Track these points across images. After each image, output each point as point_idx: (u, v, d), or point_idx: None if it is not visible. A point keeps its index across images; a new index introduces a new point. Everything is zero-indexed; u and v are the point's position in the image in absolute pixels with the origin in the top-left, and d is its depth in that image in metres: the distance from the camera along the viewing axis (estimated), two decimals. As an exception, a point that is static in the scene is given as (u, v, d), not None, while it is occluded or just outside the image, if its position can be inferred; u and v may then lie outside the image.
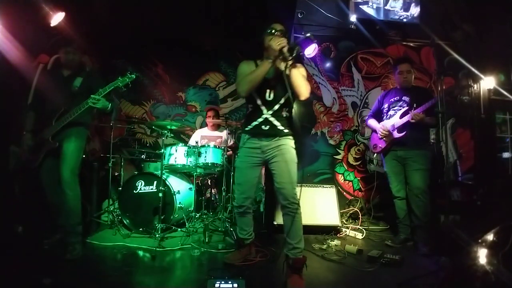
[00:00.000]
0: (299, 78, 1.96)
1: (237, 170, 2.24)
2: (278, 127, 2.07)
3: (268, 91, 2.06)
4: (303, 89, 1.98)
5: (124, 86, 2.40)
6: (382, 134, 2.93)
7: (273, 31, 2.03)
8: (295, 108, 2.19)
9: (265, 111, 2.07)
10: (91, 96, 2.31)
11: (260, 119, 2.08)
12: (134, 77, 2.42)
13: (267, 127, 2.07)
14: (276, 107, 2.06)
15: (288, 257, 2.00)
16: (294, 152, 2.09)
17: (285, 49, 1.87)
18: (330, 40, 4.20)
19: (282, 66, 1.94)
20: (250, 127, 2.12)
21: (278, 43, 1.89)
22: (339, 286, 2.07)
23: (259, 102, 2.08)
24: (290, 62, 1.88)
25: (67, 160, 2.37)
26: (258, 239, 2.63)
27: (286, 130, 2.09)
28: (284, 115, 2.10)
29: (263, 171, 3.12)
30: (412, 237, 2.85)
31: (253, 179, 2.17)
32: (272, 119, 2.07)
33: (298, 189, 2.02)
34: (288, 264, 1.99)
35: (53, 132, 2.38)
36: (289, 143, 2.09)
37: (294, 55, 1.87)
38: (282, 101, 2.07)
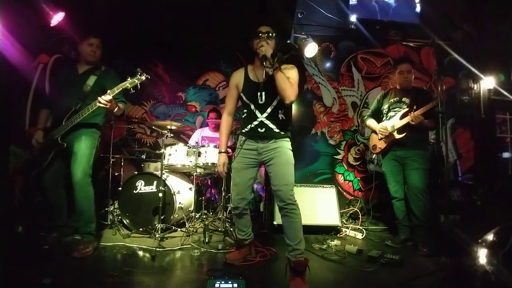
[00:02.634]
0: (282, 82, 1.92)
1: (233, 170, 2.25)
2: (274, 130, 2.07)
3: (259, 94, 2.06)
4: (287, 93, 1.93)
5: (133, 87, 2.27)
6: (382, 134, 2.93)
7: (259, 34, 2.03)
8: (294, 108, 2.19)
9: (259, 114, 2.09)
10: (98, 98, 2.17)
11: (256, 122, 2.09)
12: (144, 78, 2.29)
13: (263, 130, 2.08)
14: (269, 109, 2.07)
15: (290, 259, 1.98)
16: (290, 154, 2.10)
17: (268, 55, 1.90)
18: (330, 40, 4.20)
19: (269, 70, 1.94)
20: (246, 129, 2.14)
21: (261, 49, 1.92)
22: (339, 286, 2.07)
23: (252, 106, 2.11)
24: (275, 66, 1.90)
25: (78, 160, 2.31)
26: (258, 239, 2.64)
27: (282, 133, 2.09)
28: (280, 118, 2.09)
29: (263, 170, 3.12)
30: (411, 237, 2.85)
31: (249, 180, 2.18)
32: (267, 122, 2.07)
33: (295, 190, 2.03)
34: (290, 266, 1.97)
35: (62, 133, 2.33)
36: (285, 145, 2.10)
37: (275, 61, 1.89)
38: (274, 103, 2.06)
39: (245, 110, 2.17)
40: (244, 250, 2.34)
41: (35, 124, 2.48)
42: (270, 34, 2.04)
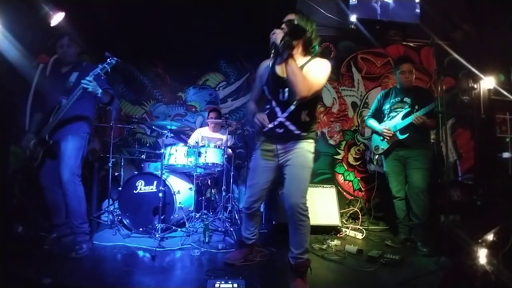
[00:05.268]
0: (292, 74, 1.73)
1: (249, 171, 2.17)
2: (294, 132, 1.92)
3: (281, 90, 1.89)
4: (296, 89, 1.74)
5: (104, 72, 2.23)
6: (387, 135, 2.91)
7: (282, 24, 1.88)
8: None
9: (279, 113, 1.92)
10: (83, 80, 2.17)
11: (275, 122, 1.94)
12: (114, 62, 2.26)
13: (282, 130, 1.93)
14: (292, 108, 1.88)
15: (291, 262, 1.97)
16: (309, 156, 1.93)
17: (277, 42, 1.72)
18: (330, 40, 4.20)
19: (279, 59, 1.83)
20: (265, 129, 1.96)
21: (271, 36, 1.76)
22: (339, 286, 2.07)
23: (274, 103, 1.95)
24: (284, 55, 1.74)
25: (65, 160, 2.32)
26: (258, 239, 2.63)
27: (303, 134, 1.93)
28: (303, 119, 1.90)
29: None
30: (411, 237, 2.85)
31: (265, 183, 2.08)
32: (287, 123, 1.91)
33: (306, 198, 1.90)
34: (291, 267, 1.96)
35: (49, 130, 2.33)
36: (305, 147, 1.93)
37: (281, 46, 1.71)
38: (298, 102, 1.86)
39: (267, 106, 2.00)
40: (245, 250, 2.34)
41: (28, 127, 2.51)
42: (290, 22, 1.82)
